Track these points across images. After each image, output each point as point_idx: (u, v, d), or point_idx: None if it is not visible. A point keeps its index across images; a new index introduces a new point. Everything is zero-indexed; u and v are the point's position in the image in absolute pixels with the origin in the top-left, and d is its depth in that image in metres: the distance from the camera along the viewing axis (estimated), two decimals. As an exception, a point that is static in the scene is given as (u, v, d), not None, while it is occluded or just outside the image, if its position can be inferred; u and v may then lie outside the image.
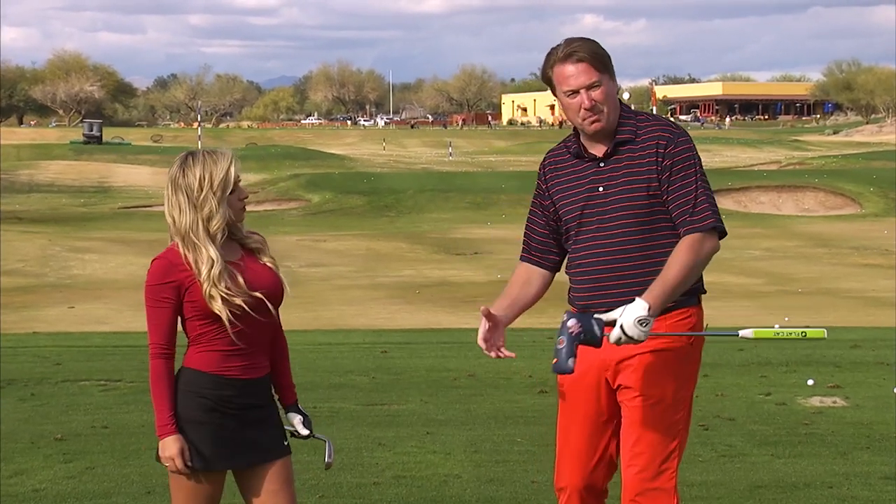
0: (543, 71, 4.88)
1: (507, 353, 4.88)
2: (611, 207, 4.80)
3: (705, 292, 4.95)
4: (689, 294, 4.79)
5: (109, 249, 33.67)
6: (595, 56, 4.77)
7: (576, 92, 4.78)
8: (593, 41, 4.83)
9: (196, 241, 4.56)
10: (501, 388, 11.55)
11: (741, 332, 4.71)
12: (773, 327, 4.87)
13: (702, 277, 4.90)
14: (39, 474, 8.01)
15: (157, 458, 4.67)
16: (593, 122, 4.79)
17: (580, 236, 4.89)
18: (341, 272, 29.04)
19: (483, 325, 4.85)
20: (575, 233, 4.91)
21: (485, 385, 11.78)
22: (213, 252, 4.55)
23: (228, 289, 4.52)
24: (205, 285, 4.52)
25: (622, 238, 4.80)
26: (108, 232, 40.26)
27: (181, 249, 4.59)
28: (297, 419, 4.80)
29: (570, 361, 4.53)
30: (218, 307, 4.52)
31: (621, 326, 4.52)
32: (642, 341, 4.56)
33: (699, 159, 4.88)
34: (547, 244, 5.06)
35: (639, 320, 4.50)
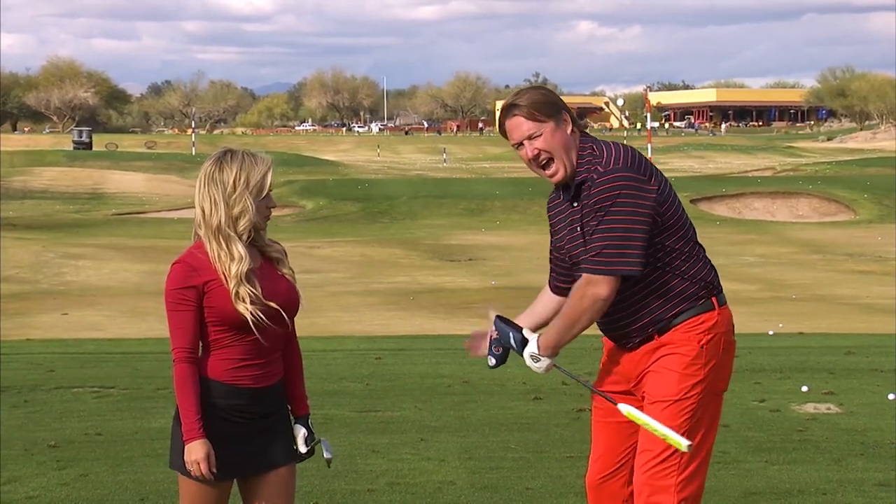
0: (500, 124, 4.98)
1: None
2: (586, 249, 4.83)
3: (719, 291, 4.95)
4: (693, 300, 4.83)
5: (103, 256, 33.58)
6: (533, 105, 4.80)
7: (520, 144, 4.85)
8: (537, 89, 4.88)
9: (229, 234, 4.54)
10: (495, 395, 11.53)
11: (620, 405, 4.87)
12: (643, 417, 4.81)
13: (710, 277, 4.92)
14: (33, 481, 7.99)
15: (171, 465, 4.63)
16: (551, 175, 4.86)
17: (578, 272, 4.94)
18: (335, 279, 29.01)
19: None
20: (577, 273, 4.95)
21: (479, 392, 11.76)
22: (241, 249, 4.54)
23: (252, 292, 4.51)
24: (232, 283, 4.50)
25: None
26: (102, 238, 40.17)
27: (208, 245, 4.56)
28: (301, 433, 4.77)
29: (490, 360, 5.03)
30: (244, 307, 4.49)
31: (523, 356, 4.94)
32: (542, 373, 4.96)
33: (622, 198, 4.71)
34: (563, 273, 5.10)
35: (531, 356, 4.90)
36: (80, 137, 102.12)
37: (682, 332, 4.80)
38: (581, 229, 4.84)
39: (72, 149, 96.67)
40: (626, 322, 4.90)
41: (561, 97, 4.96)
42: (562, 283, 5.10)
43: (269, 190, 4.62)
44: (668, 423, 4.78)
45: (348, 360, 14.55)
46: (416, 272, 30.79)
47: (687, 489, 4.82)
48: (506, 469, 8.31)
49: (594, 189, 4.74)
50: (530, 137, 4.82)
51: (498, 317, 5.04)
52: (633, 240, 4.70)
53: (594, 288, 4.74)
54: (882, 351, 14.76)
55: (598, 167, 4.77)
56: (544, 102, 4.81)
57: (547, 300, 5.17)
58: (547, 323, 5.12)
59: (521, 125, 4.82)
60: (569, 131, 4.83)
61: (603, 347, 5.16)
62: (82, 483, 7.93)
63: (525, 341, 4.93)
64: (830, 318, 20.93)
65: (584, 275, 4.77)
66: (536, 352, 4.88)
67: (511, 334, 4.97)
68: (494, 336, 5.01)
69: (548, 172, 4.86)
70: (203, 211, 4.57)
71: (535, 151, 4.82)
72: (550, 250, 5.15)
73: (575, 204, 4.87)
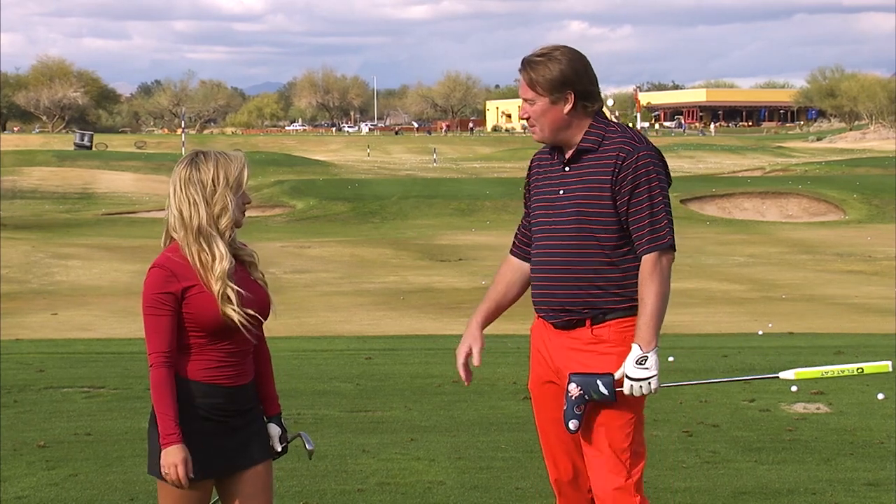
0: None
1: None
2: (564, 212, 4.93)
3: None
4: (632, 300, 4.86)
5: (93, 256, 33.54)
6: (540, 79, 4.90)
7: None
8: (558, 60, 4.90)
9: (210, 233, 4.54)
10: (485, 395, 11.53)
11: (781, 375, 4.88)
12: (816, 368, 4.86)
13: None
14: (22, 482, 7.98)
15: (149, 470, 4.64)
16: (532, 131, 5.02)
17: (538, 235, 5.05)
18: (325, 279, 28.99)
19: (462, 353, 5.17)
20: (535, 231, 5.07)
21: (469, 391, 11.75)
22: (223, 247, 4.54)
23: (239, 291, 4.52)
24: (218, 285, 4.50)
25: (567, 243, 4.93)
26: (92, 238, 40.12)
27: (187, 248, 4.54)
28: (275, 432, 4.79)
29: (572, 423, 4.78)
30: (231, 309, 4.50)
31: (626, 375, 4.74)
32: (653, 377, 4.73)
33: (661, 174, 4.89)
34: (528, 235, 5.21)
35: (636, 361, 4.72)
36: (82, 140, 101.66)
37: (616, 332, 4.86)
38: (563, 193, 4.93)
39: (73, 150, 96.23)
40: (565, 293, 4.92)
41: (585, 69, 4.96)
42: (525, 245, 5.20)
43: (245, 185, 4.64)
44: (618, 422, 4.84)
45: (338, 360, 14.54)
46: (407, 272, 30.78)
47: (639, 483, 4.91)
48: (496, 469, 8.31)
49: (638, 162, 4.83)
50: (527, 100, 4.98)
51: (574, 376, 4.79)
52: (670, 214, 4.87)
53: (667, 258, 4.82)
54: (871, 351, 14.77)
55: (622, 143, 4.87)
56: (552, 80, 4.89)
57: (518, 278, 5.25)
58: (512, 303, 5.27)
59: (523, 88, 4.98)
60: (566, 110, 4.92)
61: (530, 342, 5.16)
62: (72, 483, 7.92)
63: (603, 380, 4.74)
64: (820, 317, 20.96)
65: (651, 255, 4.81)
66: (641, 352, 4.73)
67: (598, 381, 4.74)
68: (576, 395, 4.77)
69: (532, 129, 5.03)
70: (181, 213, 4.56)
71: (525, 114, 5.01)
72: (525, 215, 5.22)
73: (567, 168, 4.97)
